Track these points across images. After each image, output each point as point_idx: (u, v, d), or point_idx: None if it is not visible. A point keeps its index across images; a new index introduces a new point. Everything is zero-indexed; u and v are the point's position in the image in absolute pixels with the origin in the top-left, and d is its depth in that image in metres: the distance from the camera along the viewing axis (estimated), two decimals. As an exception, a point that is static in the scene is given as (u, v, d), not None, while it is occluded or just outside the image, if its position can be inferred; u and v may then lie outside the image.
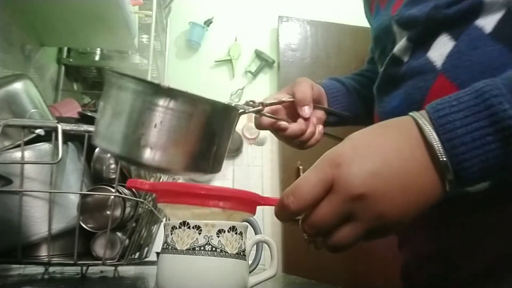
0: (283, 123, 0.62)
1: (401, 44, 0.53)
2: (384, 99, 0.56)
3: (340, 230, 0.36)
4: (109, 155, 0.78)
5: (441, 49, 0.48)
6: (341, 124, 0.71)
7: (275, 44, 2.76)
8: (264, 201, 0.44)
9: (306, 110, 0.62)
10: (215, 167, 0.48)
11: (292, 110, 0.64)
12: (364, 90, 0.72)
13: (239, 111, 0.51)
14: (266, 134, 2.52)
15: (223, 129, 0.47)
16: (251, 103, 0.56)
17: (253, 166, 2.56)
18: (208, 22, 2.72)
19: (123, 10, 1.26)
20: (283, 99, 0.62)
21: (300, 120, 0.63)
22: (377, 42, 0.62)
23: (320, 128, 0.65)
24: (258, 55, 2.76)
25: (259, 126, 0.63)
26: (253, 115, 0.59)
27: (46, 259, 0.65)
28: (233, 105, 0.51)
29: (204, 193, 0.41)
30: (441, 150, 0.33)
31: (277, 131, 0.63)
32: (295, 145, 0.66)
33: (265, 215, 2.47)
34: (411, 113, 0.36)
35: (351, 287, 2.13)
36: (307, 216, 0.36)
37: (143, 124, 0.42)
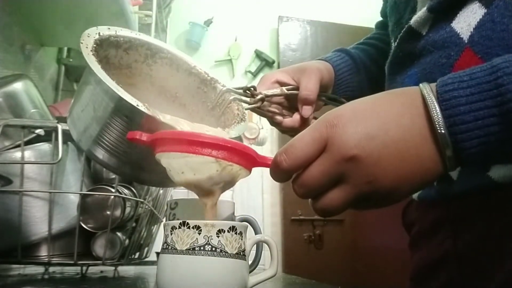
0: (278, 118, 0.59)
1: (419, 14, 0.46)
2: (396, 78, 0.50)
3: (330, 192, 0.34)
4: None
5: (468, 19, 0.41)
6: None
7: (275, 44, 2.77)
8: (260, 159, 0.42)
9: (307, 111, 0.58)
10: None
11: (291, 102, 0.60)
12: (373, 66, 0.66)
13: (231, 98, 0.52)
14: (266, 134, 2.52)
15: None
16: (250, 91, 0.54)
17: (253, 166, 2.56)
18: (208, 22, 2.72)
19: (123, 10, 1.26)
20: (286, 91, 0.58)
21: (295, 116, 0.59)
22: (393, 9, 0.54)
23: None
24: (258, 55, 2.76)
25: (257, 113, 0.60)
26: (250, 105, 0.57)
27: (46, 259, 0.65)
28: (225, 88, 0.52)
29: (198, 140, 0.39)
30: (441, 124, 0.31)
31: (271, 123, 0.61)
32: (290, 136, 0.60)
33: (265, 215, 2.47)
34: (421, 84, 0.34)
35: (351, 287, 2.13)
36: (299, 175, 0.35)
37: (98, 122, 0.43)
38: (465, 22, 0.42)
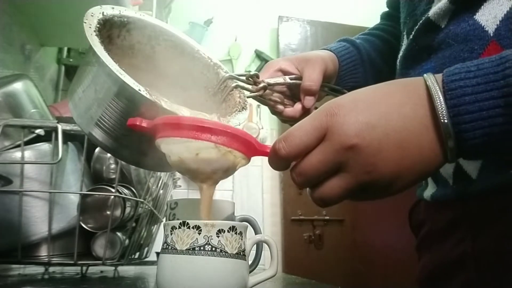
0: (280, 107, 0.58)
1: (439, 6, 0.43)
2: (410, 73, 0.48)
3: (329, 181, 0.33)
4: (109, 155, 0.78)
5: (494, 11, 0.39)
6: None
7: (275, 44, 2.76)
8: (260, 147, 0.42)
9: (309, 101, 0.56)
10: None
11: (292, 92, 0.59)
12: (378, 57, 0.64)
13: (233, 85, 0.51)
14: (266, 134, 2.52)
15: None
16: (253, 79, 0.53)
17: (253, 166, 2.56)
18: (208, 22, 2.72)
19: (123, 10, 1.26)
20: (289, 81, 0.56)
21: (297, 106, 0.57)
22: (408, 1, 0.51)
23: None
24: (258, 55, 2.76)
25: (259, 101, 0.58)
26: (252, 106, 0.57)
27: (46, 259, 0.65)
28: (227, 75, 0.51)
29: (198, 125, 0.38)
30: (445, 114, 0.31)
31: (272, 112, 0.59)
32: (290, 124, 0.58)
33: (265, 215, 2.47)
34: (425, 74, 0.33)
35: (351, 287, 2.13)
36: (297, 164, 0.34)
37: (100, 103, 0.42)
38: (491, 15, 0.39)
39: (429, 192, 0.52)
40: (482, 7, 0.40)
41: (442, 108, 0.31)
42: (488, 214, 0.43)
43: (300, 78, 0.58)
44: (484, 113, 0.30)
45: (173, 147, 0.40)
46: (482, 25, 0.40)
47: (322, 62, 0.58)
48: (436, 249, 0.51)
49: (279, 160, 0.35)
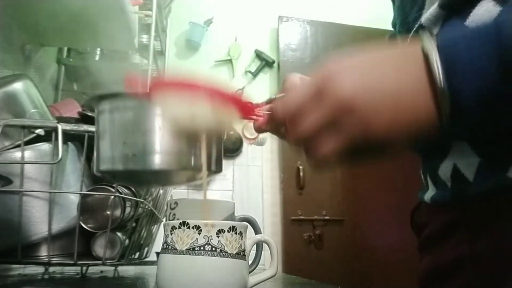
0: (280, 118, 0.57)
1: (430, 12, 0.44)
2: None
3: (323, 140, 0.34)
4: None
5: (483, 17, 0.39)
6: None
7: (275, 44, 2.76)
8: (253, 106, 0.45)
9: None
10: (217, 166, 0.48)
11: None
12: None
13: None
14: (266, 134, 2.52)
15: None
16: None
17: (253, 166, 2.56)
18: (208, 22, 2.72)
19: (123, 10, 1.26)
20: (274, 96, 0.53)
21: None
22: (399, 9, 0.51)
23: None
24: (258, 55, 2.76)
25: (258, 129, 0.56)
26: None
27: (46, 259, 0.65)
28: None
29: (195, 83, 0.41)
30: (441, 78, 0.31)
31: (275, 128, 0.56)
32: None
33: (265, 215, 2.47)
34: (423, 41, 0.33)
35: (351, 287, 2.13)
36: (294, 124, 0.35)
37: (144, 132, 0.44)
38: (480, 21, 0.39)
39: (429, 194, 0.52)
40: (471, 14, 0.41)
41: (438, 73, 0.31)
42: (485, 216, 0.43)
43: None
44: (479, 74, 0.30)
45: (170, 104, 0.42)
46: None
47: (296, 75, 0.57)
48: (435, 250, 0.52)
49: (276, 119, 0.37)
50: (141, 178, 0.50)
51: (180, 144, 0.44)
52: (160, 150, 0.44)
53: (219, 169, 0.50)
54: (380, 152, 0.34)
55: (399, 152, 0.34)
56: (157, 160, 0.44)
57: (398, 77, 0.33)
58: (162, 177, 0.50)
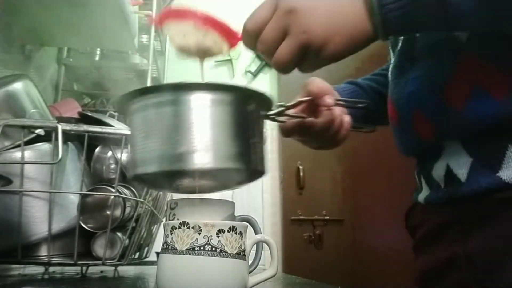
0: (309, 120, 0.56)
1: None
2: (400, 82, 0.52)
3: (280, 47, 0.40)
4: (109, 155, 0.78)
5: None
6: (363, 121, 0.63)
7: (275, 44, 2.76)
8: (236, 32, 0.49)
9: (327, 100, 0.55)
10: (260, 162, 0.45)
11: (312, 109, 0.58)
12: (385, 89, 0.64)
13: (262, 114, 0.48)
14: (266, 134, 2.52)
15: (257, 120, 0.46)
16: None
17: (253, 166, 2.56)
18: (208, 22, 2.72)
19: (123, 10, 1.26)
20: (301, 99, 0.56)
21: (324, 113, 0.57)
22: None
23: (347, 117, 0.58)
24: (258, 55, 2.75)
25: (286, 131, 0.58)
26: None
27: (46, 259, 0.65)
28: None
29: (189, 11, 0.49)
30: None
31: (305, 130, 0.57)
32: (327, 142, 0.59)
33: (265, 215, 2.47)
34: None
35: (351, 287, 2.13)
36: (259, 35, 0.42)
37: (185, 129, 0.40)
38: None
39: (423, 195, 0.53)
40: None
41: None
42: (478, 216, 0.44)
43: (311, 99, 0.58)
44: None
45: (172, 28, 0.49)
46: (453, 35, 0.43)
47: (319, 78, 0.59)
48: (430, 250, 0.53)
49: (247, 35, 0.43)
50: (186, 179, 0.45)
51: (231, 140, 0.41)
52: (213, 147, 0.40)
53: (262, 169, 0.46)
54: (323, 50, 0.39)
55: (340, 53, 0.40)
56: (212, 158, 0.40)
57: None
58: (214, 178, 0.46)
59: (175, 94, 0.41)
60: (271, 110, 0.50)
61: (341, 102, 0.60)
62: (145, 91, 0.42)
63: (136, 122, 0.43)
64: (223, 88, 0.42)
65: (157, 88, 0.43)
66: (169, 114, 0.40)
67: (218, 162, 0.40)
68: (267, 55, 0.43)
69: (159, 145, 0.40)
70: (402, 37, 0.52)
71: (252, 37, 0.43)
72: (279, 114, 0.53)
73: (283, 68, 0.42)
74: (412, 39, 0.49)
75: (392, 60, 0.55)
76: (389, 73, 0.55)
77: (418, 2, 0.36)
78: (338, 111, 0.58)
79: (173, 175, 0.43)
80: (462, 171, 0.45)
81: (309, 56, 0.40)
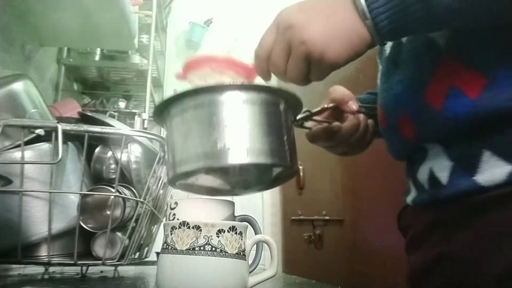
0: (335, 124, 0.59)
1: None
2: (386, 87, 0.54)
3: (288, 64, 0.43)
4: (109, 155, 0.78)
5: None
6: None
7: (275, 44, 2.77)
8: (250, 67, 0.53)
9: (352, 105, 0.58)
10: (294, 160, 0.46)
11: (337, 116, 0.61)
12: None
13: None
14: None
15: (288, 120, 0.47)
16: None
17: (253, 166, 2.57)
18: (208, 22, 2.72)
19: (123, 10, 1.26)
20: (326, 106, 0.59)
21: (350, 117, 0.60)
22: None
23: (371, 121, 0.60)
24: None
25: (313, 137, 0.60)
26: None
27: (46, 259, 0.65)
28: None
29: (199, 60, 0.55)
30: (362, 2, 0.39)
31: (331, 135, 0.59)
32: (353, 147, 0.62)
33: (265, 215, 2.48)
34: None
35: (351, 287, 2.13)
36: (268, 57, 0.45)
37: (221, 128, 0.42)
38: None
39: (411, 197, 0.55)
40: None
41: (362, 5, 0.39)
42: (459, 218, 0.46)
43: (334, 107, 0.60)
44: (389, 4, 0.38)
45: (193, 78, 0.54)
46: (433, 39, 0.46)
47: (341, 86, 0.62)
48: (418, 250, 0.55)
49: (258, 62, 0.46)
50: (224, 177, 0.47)
51: (273, 138, 0.43)
52: (249, 144, 0.42)
53: (295, 166, 0.46)
54: (325, 58, 0.41)
55: (340, 58, 0.41)
56: (251, 154, 0.41)
57: (328, 3, 0.42)
58: (250, 175, 0.47)
59: (211, 96, 0.43)
60: (301, 110, 0.51)
61: (363, 110, 0.62)
62: (182, 95, 0.44)
63: (176, 125, 0.45)
64: (258, 89, 0.44)
65: (194, 91, 0.44)
66: (206, 114, 0.43)
67: (253, 158, 0.42)
68: (280, 75, 0.45)
69: (198, 144, 0.42)
70: (389, 45, 0.54)
71: (263, 62, 0.45)
72: (306, 119, 0.56)
73: (298, 82, 0.44)
74: (398, 45, 0.52)
75: (380, 67, 0.57)
76: (378, 80, 0.57)
77: (405, 4, 0.38)
78: (362, 115, 0.60)
79: (212, 173, 0.45)
80: (443, 174, 0.47)
81: (313, 65, 0.42)
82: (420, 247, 0.54)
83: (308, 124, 0.57)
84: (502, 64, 0.40)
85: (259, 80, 0.48)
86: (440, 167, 0.47)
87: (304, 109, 0.54)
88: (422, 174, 0.51)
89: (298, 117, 0.53)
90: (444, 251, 0.48)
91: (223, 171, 0.45)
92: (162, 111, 0.46)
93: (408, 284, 0.57)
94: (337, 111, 0.60)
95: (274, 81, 0.46)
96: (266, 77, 0.46)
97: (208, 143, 0.41)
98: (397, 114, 0.51)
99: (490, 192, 0.42)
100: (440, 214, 0.49)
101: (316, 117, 0.57)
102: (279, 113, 0.45)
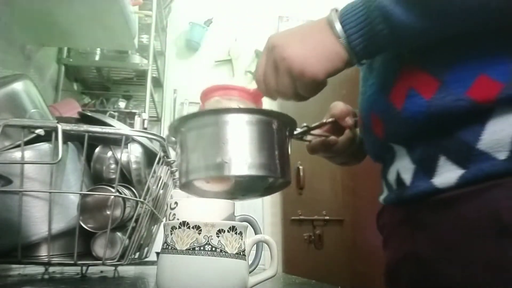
0: (332, 138, 0.65)
1: None
2: (363, 91, 0.59)
3: (277, 81, 0.49)
4: (109, 155, 0.78)
5: None
6: None
7: (275, 44, 2.76)
8: (252, 92, 0.59)
9: (348, 120, 0.65)
10: (285, 172, 0.53)
11: (336, 130, 0.67)
12: None
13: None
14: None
15: (281, 137, 0.54)
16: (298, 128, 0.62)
17: (253, 166, 2.56)
18: (208, 22, 2.72)
19: (123, 10, 1.26)
20: (325, 121, 0.66)
21: (346, 131, 0.66)
22: None
23: None
24: (258, 55, 2.76)
25: (312, 149, 0.66)
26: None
27: (46, 259, 0.65)
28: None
29: (208, 90, 0.61)
30: (339, 27, 0.46)
31: (329, 147, 0.65)
32: (349, 158, 0.68)
33: (265, 215, 2.47)
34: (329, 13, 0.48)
35: (351, 287, 2.13)
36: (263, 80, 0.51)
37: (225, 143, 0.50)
38: None
39: (382, 196, 0.60)
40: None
41: (338, 27, 0.46)
42: (420, 216, 0.50)
43: (332, 122, 0.67)
44: (360, 25, 0.44)
45: (208, 104, 0.60)
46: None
47: (341, 102, 0.68)
48: (390, 247, 0.60)
49: (259, 85, 0.52)
50: (225, 184, 0.54)
51: (264, 153, 0.51)
52: (249, 159, 0.50)
53: (287, 177, 0.54)
54: (305, 73, 0.46)
55: (318, 72, 0.46)
56: (246, 166, 0.49)
57: (310, 27, 0.49)
58: (247, 184, 0.55)
59: (215, 117, 0.51)
60: (295, 129, 0.58)
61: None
62: (192, 116, 0.53)
63: (185, 140, 0.53)
64: (253, 112, 0.52)
65: (201, 113, 0.53)
66: (209, 133, 0.51)
67: (248, 170, 0.49)
68: (274, 93, 0.51)
69: (203, 157, 0.51)
70: None
71: (261, 84, 0.52)
72: (305, 133, 0.63)
73: (289, 97, 0.50)
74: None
75: (360, 73, 0.62)
76: (360, 85, 0.62)
77: (372, 24, 0.44)
78: (358, 130, 0.66)
79: (214, 181, 0.53)
80: (407, 176, 0.52)
81: (297, 80, 0.48)
82: (391, 245, 0.59)
83: (308, 137, 0.64)
84: (453, 69, 0.45)
85: (265, 102, 0.56)
86: (404, 169, 0.52)
87: (303, 124, 0.62)
88: (391, 175, 0.55)
89: (297, 131, 0.61)
90: (409, 249, 0.52)
91: (224, 180, 0.52)
92: (176, 128, 0.54)
93: (384, 280, 0.61)
94: (337, 125, 0.66)
95: (279, 101, 0.53)
96: (270, 96, 0.52)
97: (211, 157, 0.50)
98: (369, 114, 0.56)
99: (444, 194, 0.46)
100: (405, 213, 0.54)
101: (314, 132, 0.64)
102: (272, 131, 0.52)
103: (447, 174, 0.46)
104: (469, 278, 0.44)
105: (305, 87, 0.48)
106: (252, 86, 0.60)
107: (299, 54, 0.46)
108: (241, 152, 0.49)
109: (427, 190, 0.48)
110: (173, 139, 0.56)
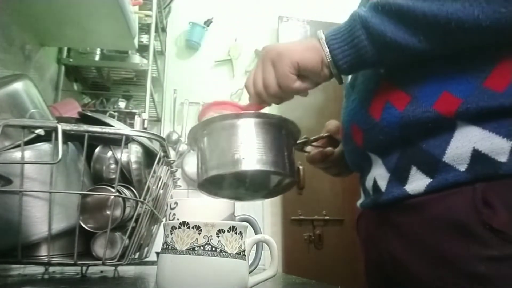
0: (329, 149, 0.72)
1: None
2: (345, 105, 0.65)
3: (276, 76, 0.55)
4: (109, 155, 0.78)
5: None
6: None
7: (275, 44, 2.76)
8: (242, 106, 0.64)
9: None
10: (292, 171, 0.58)
11: (332, 143, 0.74)
12: None
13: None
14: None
15: (289, 141, 0.60)
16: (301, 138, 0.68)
17: (253, 166, 2.56)
18: (208, 22, 2.71)
19: (123, 10, 1.26)
20: (322, 135, 0.74)
21: (340, 144, 0.73)
22: None
23: None
24: (258, 55, 2.75)
25: (312, 159, 0.73)
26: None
27: (46, 259, 0.65)
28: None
29: (206, 107, 0.73)
30: (327, 50, 0.53)
31: (325, 158, 0.72)
32: (343, 169, 0.74)
33: (265, 215, 2.47)
34: (318, 35, 0.54)
35: (351, 287, 2.13)
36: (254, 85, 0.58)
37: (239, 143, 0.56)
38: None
39: (360, 201, 0.66)
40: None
41: (325, 48, 0.53)
42: (395, 218, 0.56)
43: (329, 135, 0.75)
44: (344, 47, 0.52)
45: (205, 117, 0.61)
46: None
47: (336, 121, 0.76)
48: (366, 250, 0.65)
49: (248, 90, 0.59)
50: (242, 182, 0.59)
51: (276, 153, 0.56)
52: (261, 156, 0.55)
53: (294, 175, 0.58)
54: (284, 62, 0.54)
55: (295, 65, 0.53)
56: (260, 163, 0.55)
57: (302, 43, 0.55)
58: (260, 181, 0.60)
59: (231, 121, 0.57)
60: (299, 137, 0.64)
61: None
62: (210, 121, 0.58)
63: (210, 139, 0.58)
64: (264, 116, 0.57)
65: (222, 117, 0.58)
66: (230, 133, 0.56)
67: (264, 166, 0.54)
68: (261, 93, 0.57)
69: (223, 155, 0.56)
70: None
71: (250, 88, 0.58)
72: (305, 144, 0.70)
73: (291, 87, 0.56)
74: (356, 74, 0.64)
75: (344, 92, 0.69)
76: (343, 102, 0.68)
77: (360, 52, 0.51)
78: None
79: (230, 178, 0.57)
80: (382, 183, 0.57)
81: (299, 70, 0.54)
82: (369, 246, 0.65)
83: (308, 148, 0.72)
84: (421, 86, 0.52)
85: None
86: (380, 177, 0.58)
87: (303, 135, 0.68)
88: (368, 182, 0.61)
89: (299, 141, 0.66)
90: (385, 248, 0.58)
91: (239, 176, 0.56)
92: (196, 132, 0.60)
93: (364, 280, 0.66)
94: (332, 138, 0.74)
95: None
96: (257, 100, 0.58)
97: (230, 154, 0.55)
98: (350, 125, 0.62)
99: (414, 199, 0.52)
100: (381, 216, 0.59)
101: (314, 143, 0.72)
102: (281, 135, 0.58)
103: (418, 182, 0.52)
104: (435, 274, 0.49)
105: (284, 74, 0.55)
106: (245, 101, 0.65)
107: (285, 46, 0.55)
108: (256, 150, 0.55)
109: (400, 195, 0.54)
110: (192, 140, 0.62)
